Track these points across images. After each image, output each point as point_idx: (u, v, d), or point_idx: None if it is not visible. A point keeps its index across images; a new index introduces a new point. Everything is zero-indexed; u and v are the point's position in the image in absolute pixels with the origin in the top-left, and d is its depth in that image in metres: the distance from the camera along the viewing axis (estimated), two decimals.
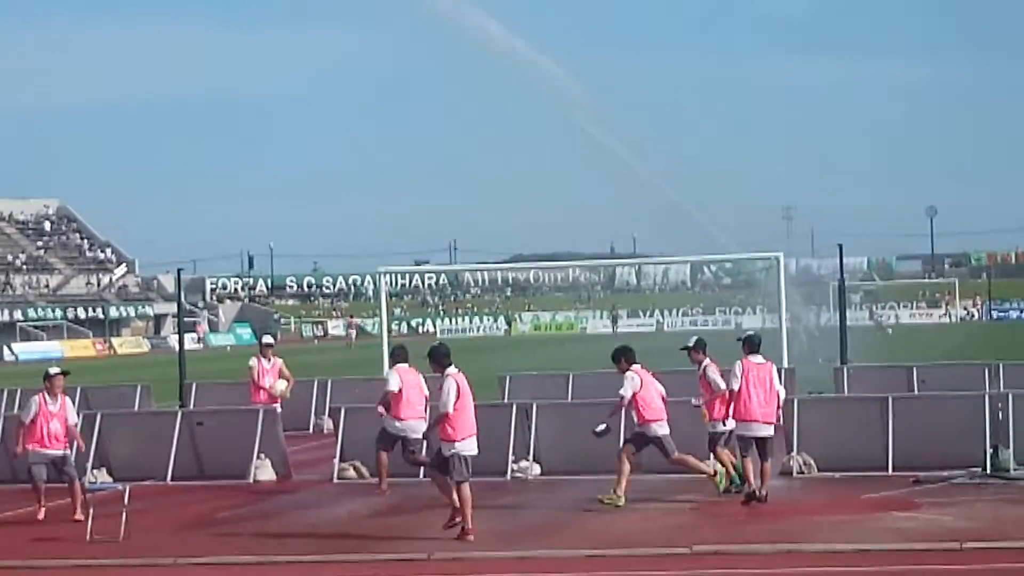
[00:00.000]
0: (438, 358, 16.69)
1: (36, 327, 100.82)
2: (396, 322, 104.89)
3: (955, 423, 20.73)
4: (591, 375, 32.03)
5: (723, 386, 19.03)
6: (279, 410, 23.44)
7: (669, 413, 18.71)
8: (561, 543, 16.03)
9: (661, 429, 18.56)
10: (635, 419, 18.65)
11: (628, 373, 18.60)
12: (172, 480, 22.18)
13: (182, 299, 46.47)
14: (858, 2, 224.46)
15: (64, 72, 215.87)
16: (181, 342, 37.78)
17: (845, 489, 19.37)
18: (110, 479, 21.60)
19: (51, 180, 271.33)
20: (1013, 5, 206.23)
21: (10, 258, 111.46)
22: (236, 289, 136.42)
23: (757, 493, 18.17)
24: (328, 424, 28.15)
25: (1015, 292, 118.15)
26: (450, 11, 55.57)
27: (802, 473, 20.72)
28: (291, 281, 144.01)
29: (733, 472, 19.14)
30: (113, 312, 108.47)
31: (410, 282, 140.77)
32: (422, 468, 19.24)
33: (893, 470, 20.35)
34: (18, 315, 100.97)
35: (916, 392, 28.08)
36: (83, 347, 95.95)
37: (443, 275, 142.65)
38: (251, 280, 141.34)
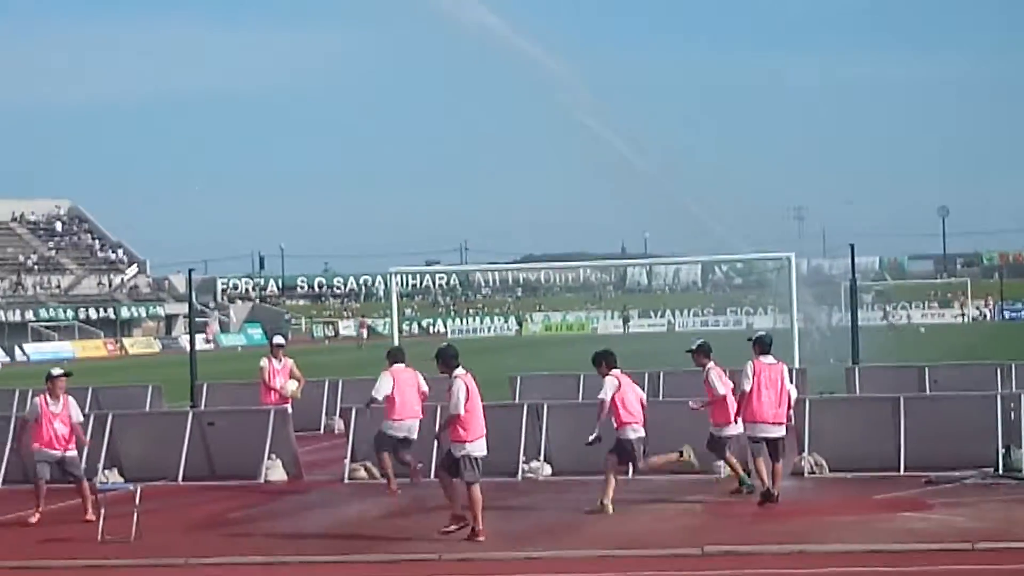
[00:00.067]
0: (446, 359, 16.69)
1: (48, 327, 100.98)
2: (407, 322, 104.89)
3: (967, 423, 20.68)
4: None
5: (722, 391, 19.05)
6: (290, 410, 23.45)
7: (646, 418, 18.64)
8: (572, 544, 16.02)
9: (634, 432, 18.42)
10: (613, 423, 18.43)
11: (608, 377, 18.49)
12: (183, 480, 22.20)
13: (193, 299, 46.55)
14: (875, 0, 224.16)
15: (65, 72, 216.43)
16: (192, 342, 37.80)
17: (857, 489, 19.33)
18: (121, 479, 21.63)
19: (62, 181, 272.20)
20: None
21: (22, 258, 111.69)
22: (247, 289, 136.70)
23: (771, 494, 18.13)
24: (339, 424, 28.16)
25: None
26: (452, 9, 55.63)
27: (813, 473, 20.69)
28: (302, 281, 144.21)
29: (742, 473, 19.12)
30: (124, 312, 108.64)
31: (421, 282, 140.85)
32: (433, 469, 19.25)
33: (905, 470, 20.31)
34: (30, 315, 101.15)
35: (928, 392, 28.03)
36: (94, 347, 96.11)
37: (454, 275, 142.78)
38: (262, 280, 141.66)
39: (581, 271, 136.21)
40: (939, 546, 15.14)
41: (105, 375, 56.43)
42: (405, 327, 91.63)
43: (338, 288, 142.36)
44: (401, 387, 20.23)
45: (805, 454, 20.91)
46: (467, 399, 16.35)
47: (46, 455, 18.74)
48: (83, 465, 21.38)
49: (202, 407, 29.97)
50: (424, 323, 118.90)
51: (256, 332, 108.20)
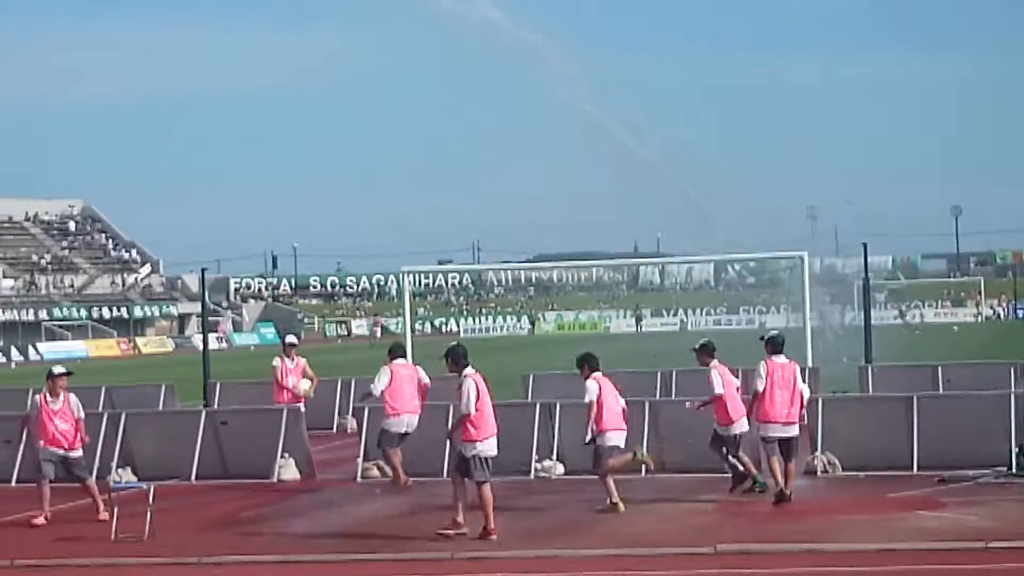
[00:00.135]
0: (456, 358, 16.72)
1: (61, 327, 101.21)
2: (420, 321, 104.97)
3: (980, 422, 20.65)
4: (614, 374, 31.97)
5: (719, 390, 19.04)
6: (303, 409, 23.48)
7: (628, 423, 18.58)
8: (585, 543, 16.02)
9: (611, 440, 18.28)
10: (594, 426, 18.28)
11: (589, 380, 18.44)
12: (196, 479, 22.23)
13: (206, 299, 46.61)
14: (875, 0, 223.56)
15: (65, 72, 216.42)
16: (205, 342, 37.86)
17: (870, 488, 19.31)
18: (135, 478, 21.66)
19: (63, 180, 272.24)
20: None
21: (35, 258, 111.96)
22: (260, 289, 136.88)
23: (784, 493, 18.11)
24: (352, 423, 28.17)
25: None
26: (452, 7, 55.68)
27: (826, 472, 20.67)
28: (315, 281, 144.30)
29: (755, 471, 19.11)
30: (137, 312, 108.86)
31: (433, 282, 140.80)
32: (445, 467, 19.30)
33: (918, 469, 20.29)
34: (43, 315, 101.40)
35: (941, 391, 27.97)
36: (108, 347, 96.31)
37: (466, 275, 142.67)
38: (275, 280, 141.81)
39: (593, 270, 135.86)
40: (952, 545, 15.11)
41: (118, 374, 56.57)
42: (418, 326, 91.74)
43: (351, 287, 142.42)
44: (399, 382, 20.51)
45: (818, 453, 20.89)
46: (477, 398, 16.37)
47: (50, 453, 18.76)
48: (96, 464, 21.48)
49: (215, 406, 30.01)
50: (437, 322, 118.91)
51: (269, 331, 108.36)
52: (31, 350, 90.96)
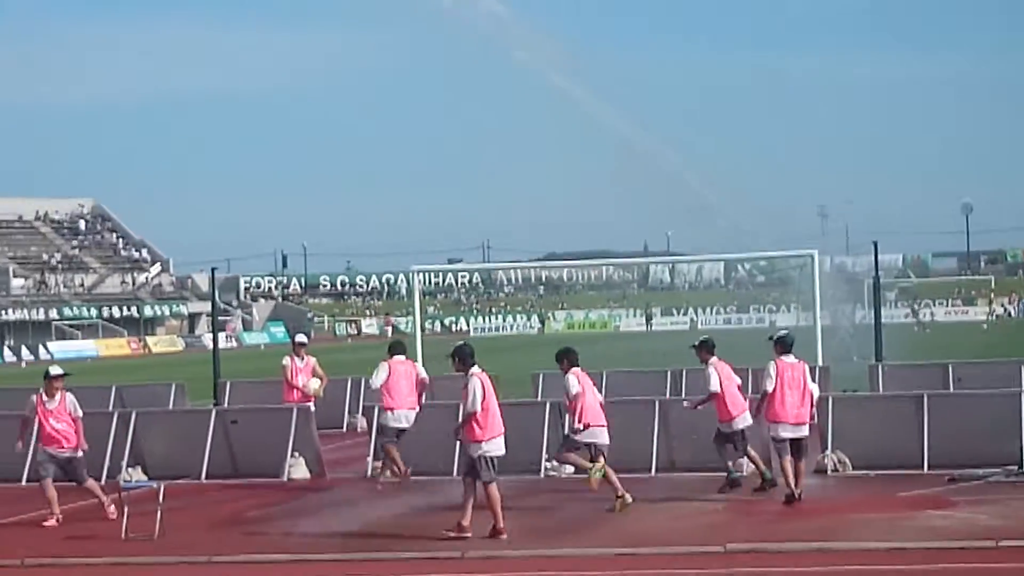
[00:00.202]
0: (462, 357, 16.73)
1: (71, 326, 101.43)
2: (429, 320, 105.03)
3: (991, 421, 20.61)
4: (624, 373, 32.03)
5: (714, 388, 19.05)
6: (313, 408, 23.51)
7: (610, 420, 18.56)
8: (594, 541, 16.01)
9: (595, 436, 18.33)
10: (576, 421, 18.28)
11: (569, 375, 18.39)
12: (206, 478, 22.27)
13: (216, 298, 46.63)
14: (875, 0, 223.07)
15: (65, 72, 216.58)
16: (215, 341, 37.91)
17: (880, 487, 19.28)
18: (145, 477, 21.68)
19: (64, 180, 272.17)
20: None
21: (45, 257, 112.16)
22: (270, 288, 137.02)
23: (794, 493, 18.09)
24: (362, 422, 28.21)
25: None
26: (453, 6, 55.71)
27: (836, 471, 20.64)
28: (324, 280, 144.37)
29: (764, 468, 19.10)
30: (148, 311, 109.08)
31: (443, 280, 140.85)
32: (453, 467, 19.31)
33: (928, 468, 20.25)
34: (53, 314, 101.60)
35: (952, 390, 27.92)
36: (118, 346, 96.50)
37: (476, 274, 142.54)
38: (285, 279, 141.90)
39: (604, 269, 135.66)
40: (962, 544, 15.09)
41: (129, 373, 56.68)
42: (428, 325, 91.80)
43: (360, 286, 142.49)
44: (397, 378, 20.81)
45: (828, 452, 20.87)
46: (483, 397, 16.37)
47: (48, 453, 18.79)
48: (106, 463, 21.53)
49: (225, 405, 30.06)
50: (447, 321, 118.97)
51: (279, 330, 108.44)
52: (41, 349, 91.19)
